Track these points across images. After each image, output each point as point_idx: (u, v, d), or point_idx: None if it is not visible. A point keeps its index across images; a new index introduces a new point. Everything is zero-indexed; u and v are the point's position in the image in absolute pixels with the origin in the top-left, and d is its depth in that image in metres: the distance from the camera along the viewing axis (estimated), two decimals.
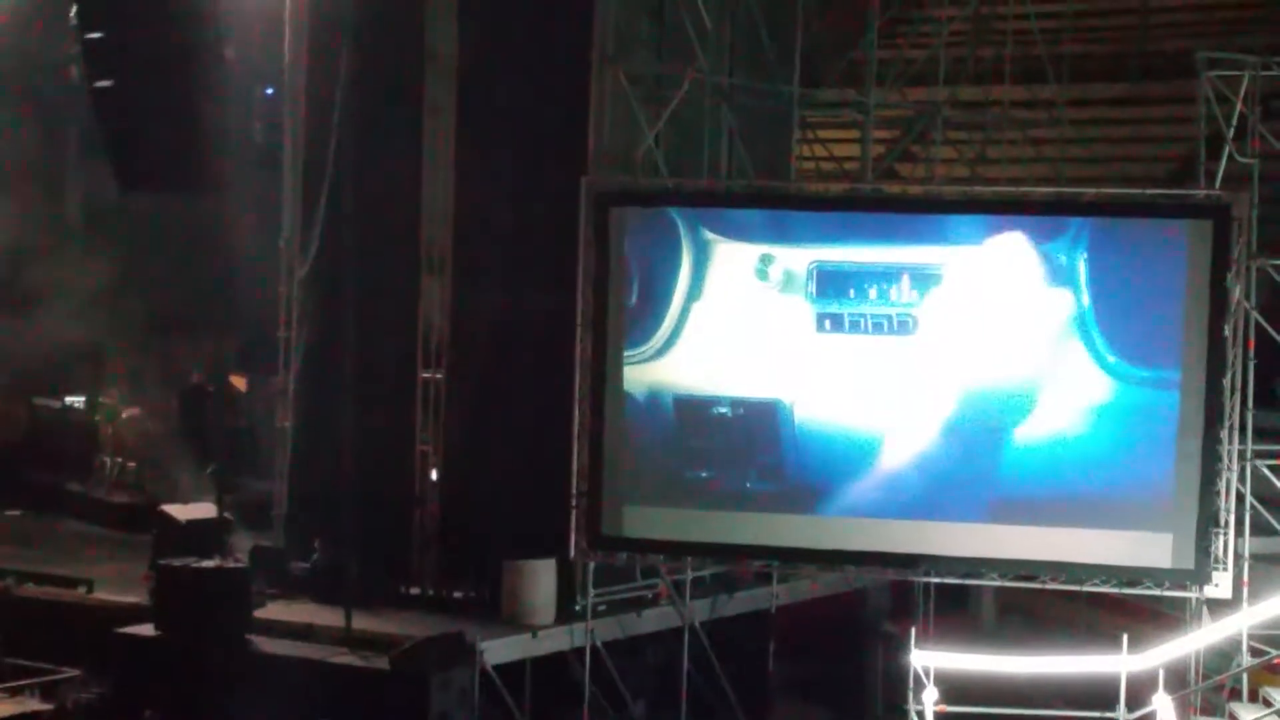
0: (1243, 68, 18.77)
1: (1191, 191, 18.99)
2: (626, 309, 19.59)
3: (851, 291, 19.13)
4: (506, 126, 21.10)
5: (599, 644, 20.02)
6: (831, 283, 19.16)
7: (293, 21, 22.87)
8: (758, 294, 19.39)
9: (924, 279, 18.96)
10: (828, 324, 19.22)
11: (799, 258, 19.27)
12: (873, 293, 19.07)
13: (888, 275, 19.02)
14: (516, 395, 20.94)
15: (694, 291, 19.50)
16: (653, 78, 20.95)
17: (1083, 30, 29.16)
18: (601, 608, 20.22)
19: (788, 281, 19.28)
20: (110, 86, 23.31)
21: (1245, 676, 18.63)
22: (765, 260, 19.34)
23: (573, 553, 19.84)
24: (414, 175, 21.44)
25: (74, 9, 25.71)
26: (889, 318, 19.05)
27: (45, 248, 29.43)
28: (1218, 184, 18.67)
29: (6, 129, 29.79)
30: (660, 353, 19.56)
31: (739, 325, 19.47)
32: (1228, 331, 18.25)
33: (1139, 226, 18.80)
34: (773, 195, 20.66)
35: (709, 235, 19.48)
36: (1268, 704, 18.67)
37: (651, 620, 20.78)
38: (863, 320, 19.13)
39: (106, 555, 23.59)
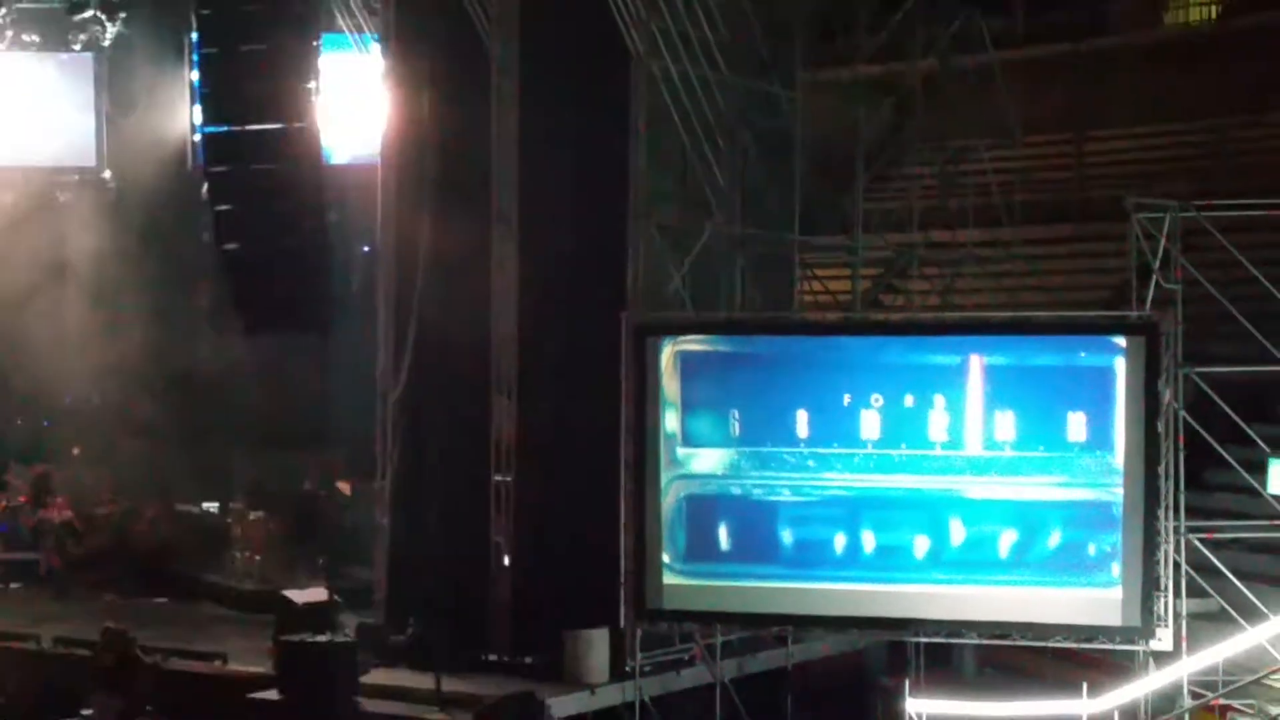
0: (1165, 210, 18.63)
1: (1126, 313, 18.78)
2: (667, 432, 19.35)
3: (850, 402, 18.91)
4: (560, 270, 21.08)
5: (646, 699, 19.79)
6: (833, 397, 19.00)
7: (384, 189, 23.02)
8: (773, 409, 19.18)
9: (916, 393, 18.72)
10: (832, 432, 18.98)
11: (808, 376, 19.16)
12: (875, 399, 18.82)
13: (884, 390, 18.80)
14: (573, 494, 20.71)
15: (722, 411, 19.31)
16: (678, 228, 20.94)
17: (1031, 182, 29.14)
18: (647, 668, 20.00)
19: (798, 397, 19.08)
20: (237, 248, 23.41)
21: (1187, 716, 18.28)
22: (778, 381, 19.22)
23: (623, 622, 19.62)
24: (484, 315, 21.36)
25: (205, 185, 25.97)
26: (886, 427, 18.84)
27: (184, 383, 29.62)
28: (1148, 306, 18.45)
29: (152, 284, 30.09)
30: (696, 465, 19.35)
31: (759, 438, 19.19)
32: (1161, 428, 18.01)
33: (1087, 347, 18.55)
34: (779, 323, 20.65)
35: (729, 363, 19.53)
36: None
37: (689, 678, 20.53)
38: (861, 429, 18.89)
39: (237, 633, 23.41)
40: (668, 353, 19.29)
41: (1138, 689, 17.98)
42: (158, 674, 21.05)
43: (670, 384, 19.32)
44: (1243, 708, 18.59)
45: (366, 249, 25.99)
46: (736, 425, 19.28)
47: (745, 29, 21.78)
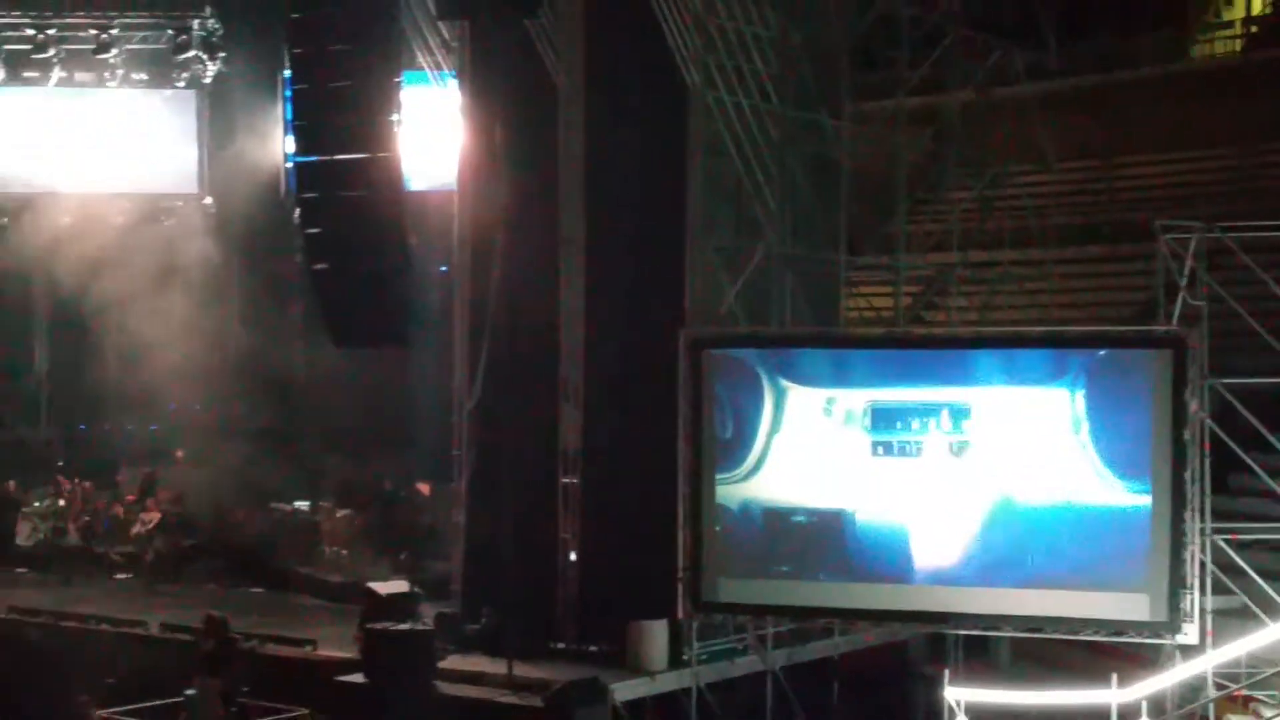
0: (1191, 231, 18.43)
1: (1155, 328, 18.56)
2: (722, 440, 19.32)
3: (899, 424, 18.78)
4: (623, 288, 21.03)
5: (702, 685, 19.73)
6: (883, 418, 18.82)
7: (459, 215, 23.10)
8: (825, 428, 19.05)
9: (956, 413, 18.56)
10: (880, 450, 18.87)
11: (857, 399, 18.93)
12: (915, 425, 18.71)
13: (927, 411, 18.65)
14: (635, 494, 20.64)
15: (775, 427, 19.18)
16: (732, 249, 20.87)
17: (1064, 205, 28.89)
18: (703, 656, 19.91)
19: (848, 418, 18.94)
20: (325, 268, 23.45)
21: (1211, 706, 18.11)
22: (830, 402, 19.03)
23: (680, 614, 19.57)
24: (553, 329, 21.39)
25: (296, 210, 26.03)
26: (929, 444, 18.67)
27: (277, 393, 29.79)
28: (1175, 321, 18.25)
29: (249, 300, 30.30)
30: (750, 474, 19.27)
31: (811, 452, 19.10)
32: (1188, 436, 17.79)
33: (1118, 361, 18.36)
34: (826, 338, 20.57)
35: (784, 383, 19.19)
36: None
37: (742, 666, 20.40)
38: (908, 446, 18.76)
39: (326, 621, 23.41)
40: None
41: (1165, 680, 17.76)
42: (254, 658, 21.16)
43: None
44: (1264, 698, 18.45)
45: (444, 269, 26.01)
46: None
47: (794, 63, 21.67)
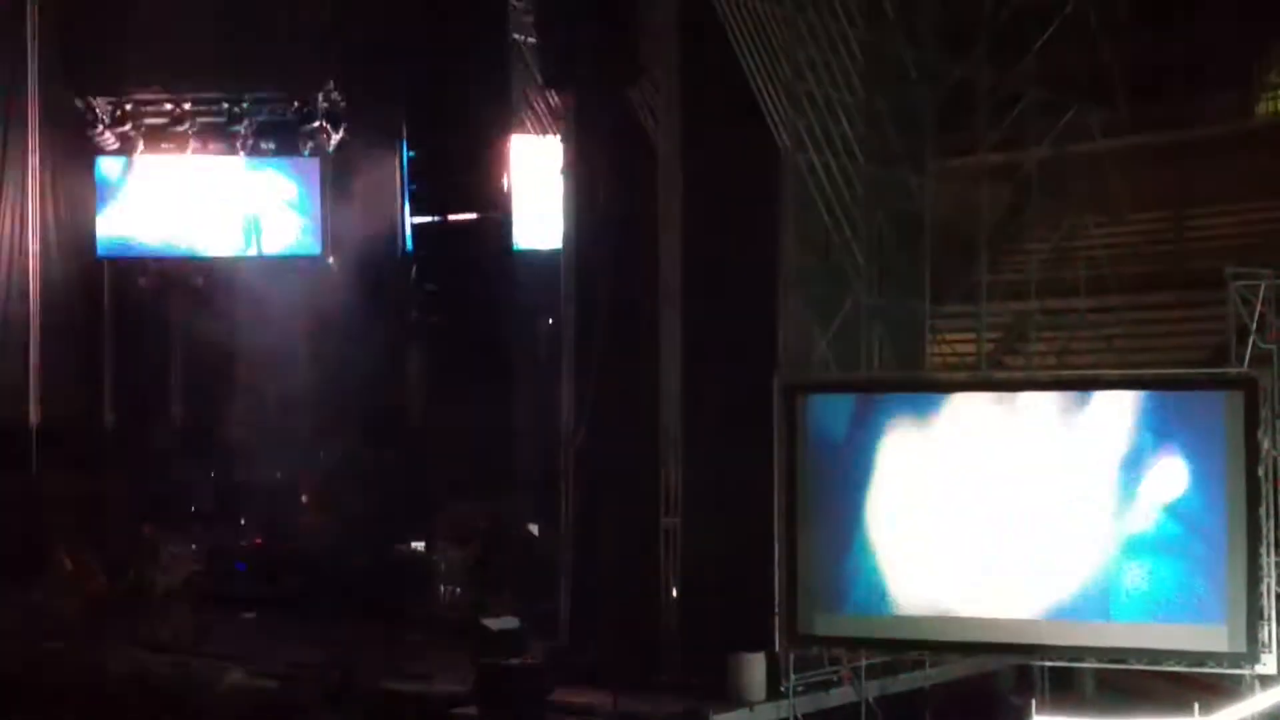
0: (1260, 279, 18.33)
1: (1226, 370, 18.40)
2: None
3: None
4: (720, 337, 21.12)
5: (799, 716, 19.62)
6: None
7: (565, 269, 23.31)
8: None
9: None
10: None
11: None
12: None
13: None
14: (732, 534, 20.61)
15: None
16: (822, 300, 20.85)
17: (1137, 254, 28.64)
18: (800, 688, 19.76)
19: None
20: (439, 321, 23.71)
21: None
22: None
23: (778, 647, 19.48)
24: (653, 376, 21.49)
25: (413, 268, 26.38)
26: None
27: (396, 439, 30.00)
28: (1246, 364, 18.09)
29: (370, 353, 30.58)
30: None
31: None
32: (1261, 473, 17.60)
33: (1194, 402, 18.23)
34: (912, 382, 20.44)
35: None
36: None
37: (837, 697, 20.23)
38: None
39: (441, 657, 23.34)
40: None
41: (1245, 709, 17.60)
42: (374, 691, 21.21)
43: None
44: None
45: (550, 321, 26.22)
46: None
47: (880, 124, 21.71)
